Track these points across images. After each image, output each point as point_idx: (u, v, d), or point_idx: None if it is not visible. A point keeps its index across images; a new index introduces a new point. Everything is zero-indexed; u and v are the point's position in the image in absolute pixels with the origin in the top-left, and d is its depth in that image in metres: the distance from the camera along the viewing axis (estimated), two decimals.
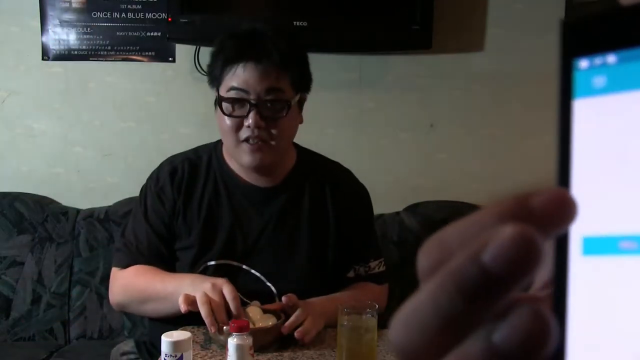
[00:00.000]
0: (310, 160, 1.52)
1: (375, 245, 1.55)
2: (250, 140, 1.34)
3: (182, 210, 1.43)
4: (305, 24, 2.20)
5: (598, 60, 0.20)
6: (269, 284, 1.40)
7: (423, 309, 0.20)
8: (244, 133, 1.34)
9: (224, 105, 1.34)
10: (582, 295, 0.20)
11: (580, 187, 0.20)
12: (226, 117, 1.34)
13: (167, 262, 1.43)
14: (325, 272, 1.45)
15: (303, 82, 1.41)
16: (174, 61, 2.39)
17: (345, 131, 2.43)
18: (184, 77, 2.38)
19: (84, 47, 2.37)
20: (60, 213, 2.25)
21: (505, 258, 0.18)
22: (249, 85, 1.32)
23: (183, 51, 2.36)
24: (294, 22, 2.19)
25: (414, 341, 0.20)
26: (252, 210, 1.44)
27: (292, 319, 1.25)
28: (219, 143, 1.50)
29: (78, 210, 2.27)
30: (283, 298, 1.28)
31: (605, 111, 0.20)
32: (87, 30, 2.37)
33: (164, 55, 2.38)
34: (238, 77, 1.33)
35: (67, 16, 2.35)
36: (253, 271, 1.41)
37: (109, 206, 2.26)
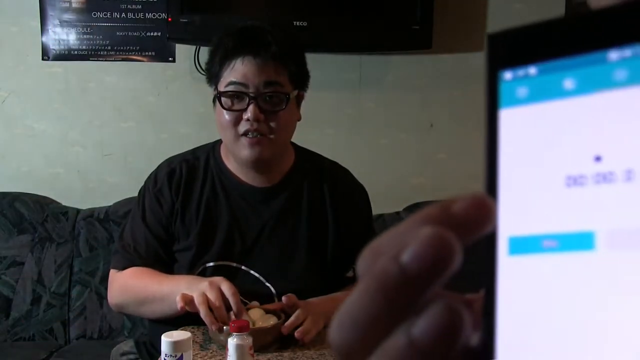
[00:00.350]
0: (308, 159, 1.52)
1: None
2: (250, 134, 1.34)
3: (180, 211, 1.43)
4: (305, 24, 2.20)
5: (521, 72, 0.22)
6: (268, 284, 1.40)
7: (353, 309, 0.21)
8: (243, 127, 1.34)
9: (223, 99, 1.35)
10: (509, 292, 0.21)
11: (506, 191, 0.22)
12: (225, 112, 1.34)
13: (165, 264, 1.43)
14: (325, 271, 1.45)
15: (301, 79, 1.41)
16: (174, 61, 2.39)
17: (345, 131, 2.43)
18: (184, 77, 2.38)
19: (84, 47, 2.37)
20: (60, 213, 2.25)
21: (421, 257, 0.20)
22: (247, 78, 1.32)
23: (183, 51, 2.36)
24: (294, 22, 2.19)
25: (347, 339, 0.21)
26: (251, 211, 1.44)
27: (292, 319, 1.25)
28: (217, 144, 1.50)
29: (78, 210, 2.27)
30: (283, 298, 1.28)
31: (527, 120, 0.22)
32: (87, 30, 2.37)
33: (164, 55, 2.39)
34: (236, 71, 1.33)
35: (67, 16, 2.35)
36: (252, 272, 1.41)
37: (109, 206, 2.26)
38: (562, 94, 0.21)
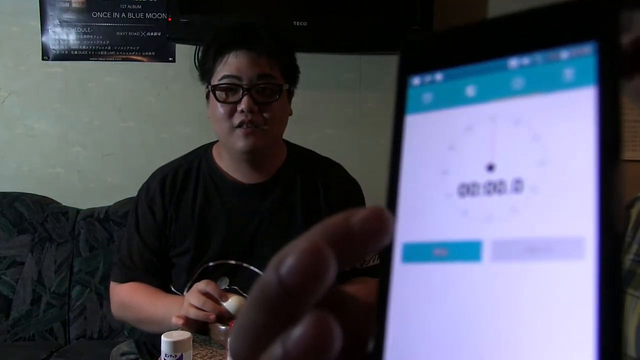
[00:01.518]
0: (300, 154, 1.53)
1: None
2: (244, 125, 1.35)
3: (174, 217, 1.44)
4: (305, 24, 2.20)
5: (428, 78, 0.22)
6: None
7: (243, 318, 0.22)
8: (237, 119, 1.35)
9: (217, 92, 1.36)
10: (401, 299, 0.21)
11: (406, 197, 0.22)
12: (219, 104, 1.36)
13: (162, 273, 1.46)
14: None
15: (292, 74, 1.43)
16: (174, 61, 2.39)
17: (345, 131, 2.43)
18: (184, 77, 2.38)
19: (84, 47, 2.37)
20: (60, 213, 2.24)
21: (295, 270, 0.20)
22: (241, 71, 1.34)
23: (183, 51, 2.36)
24: (294, 22, 2.19)
25: (239, 349, 0.22)
26: (245, 208, 1.45)
27: None
28: (209, 147, 1.51)
29: (78, 210, 2.27)
30: None
31: (430, 126, 0.22)
32: (87, 30, 2.37)
33: (164, 55, 2.39)
34: (230, 65, 1.35)
35: (67, 16, 2.35)
36: (252, 268, 1.41)
37: (109, 206, 2.26)
38: (463, 101, 0.21)
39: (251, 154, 1.39)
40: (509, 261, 0.20)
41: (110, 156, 2.42)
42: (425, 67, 0.22)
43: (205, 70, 1.41)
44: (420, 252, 0.21)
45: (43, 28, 2.36)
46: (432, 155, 0.22)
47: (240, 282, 1.39)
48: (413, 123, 0.22)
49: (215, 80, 1.37)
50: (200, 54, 1.46)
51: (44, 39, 2.36)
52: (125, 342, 1.68)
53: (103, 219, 2.22)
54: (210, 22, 2.16)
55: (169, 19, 2.20)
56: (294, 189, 1.47)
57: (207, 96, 1.42)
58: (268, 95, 1.37)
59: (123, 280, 1.46)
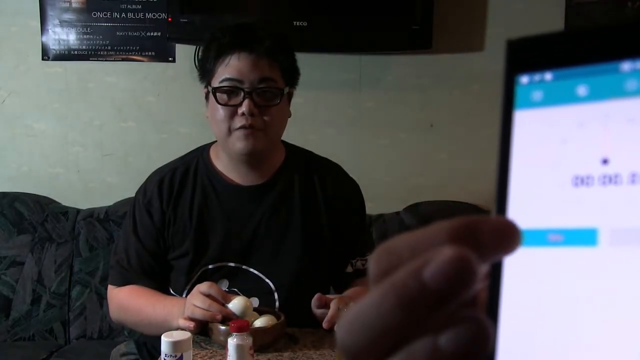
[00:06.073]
0: (298, 155, 1.53)
1: (370, 239, 1.56)
2: (244, 128, 1.35)
3: (172, 219, 1.44)
4: (305, 24, 2.20)
5: (537, 77, 0.24)
6: (267, 280, 1.41)
7: (367, 314, 0.22)
8: (238, 121, 1.35)
9: (219, 95, 1.36)
10: (514, 281, 0.23)
11: (517, 186, 0.23)
12: (220, 107, 1.36)
13: (160, 276, 1.45)
14: (321, 264, 1.46)
15: (292, 75, 1.43)
16: (174, 61, 2.39)
17: (345, 131, 2.43)
18: (184, 77, 2.38)
19: (84, 47, 2.37)
20: (60, 213, 2.25)
21: (443, 277, 0.20)
22: (242, 74, 1.34)
23: (183, 51, 2.36)
24: (294, 22, 2.19)
25: (358, 342, 0.22)
26: (244, 210, 1.44)
27: (330, 312, 1.25)
28: (206, 147, 1.51)
29: (78, 210, 2.27)
30: (313, 301, 1.28)
31: (540, 122, 0.23)
32: (87, 30, 2.37)
33: (164, 55, 2.39)
34: (231, 67, 1.34)
35: (67, 16, 2.35)
36: (252, 269, 1.41)
37: (109, 206, 2.26)
38: (575, 99, 0.23)
39: (250, 156, 1.39)
40: (627, 245, 0.21)
41: (110, 156, 2.42)
42: (534, 66, 0.24)
43: (205, 71, 1.40)
44: (534, 238, 0.23)
45: (43, 28, 2.36)
46: (543, 148, 0.23)
47: (240, 284, 1.39)
48: (522, 118, 0.24)
49: (216, 82, 1.37)
50: (199, 53, 1.45)
51: (44, 39, 2.36)
52: (125, 342, 1.68)
53: (103, 219, 2.22)
54: (210, 22, 2.16)
55: (169, 19, 2.20)
56: (292, 190, 1.47)
57: (207, 96, 1.42)
58: (269, 98, 1.36)
59: (121, 283, 1.45)
